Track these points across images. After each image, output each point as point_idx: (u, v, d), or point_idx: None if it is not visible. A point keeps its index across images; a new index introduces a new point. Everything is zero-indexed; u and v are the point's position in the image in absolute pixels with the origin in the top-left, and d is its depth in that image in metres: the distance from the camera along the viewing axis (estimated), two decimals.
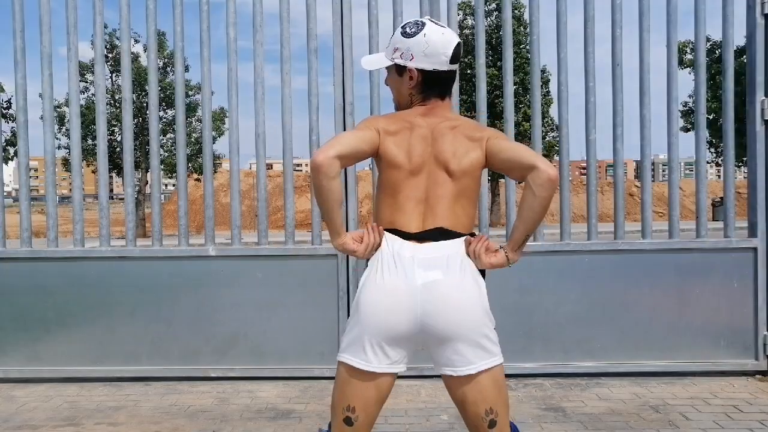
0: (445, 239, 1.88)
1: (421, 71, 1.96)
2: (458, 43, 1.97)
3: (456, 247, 1.88)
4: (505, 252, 1.90)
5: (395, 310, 1.82)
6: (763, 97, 3.99)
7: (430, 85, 1.98)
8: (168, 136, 21.84)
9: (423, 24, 1.95)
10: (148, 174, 21.86)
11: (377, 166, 1.98)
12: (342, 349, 1.91)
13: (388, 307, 1.83)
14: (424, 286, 1.83)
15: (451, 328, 1.82)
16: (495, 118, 17.50)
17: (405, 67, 1.97)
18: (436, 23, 1.97)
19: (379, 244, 1.90)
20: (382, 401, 1.90)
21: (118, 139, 19.35)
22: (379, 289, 1.85)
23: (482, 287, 1.90)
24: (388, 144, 1.91)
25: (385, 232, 1.91)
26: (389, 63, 2.01)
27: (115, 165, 17.67)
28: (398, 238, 1.89)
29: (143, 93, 19.62)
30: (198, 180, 22.59)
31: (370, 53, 4.05)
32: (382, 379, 1.87)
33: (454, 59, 1.96)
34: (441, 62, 1.95)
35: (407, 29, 1.96)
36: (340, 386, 1.91)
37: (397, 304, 1.82)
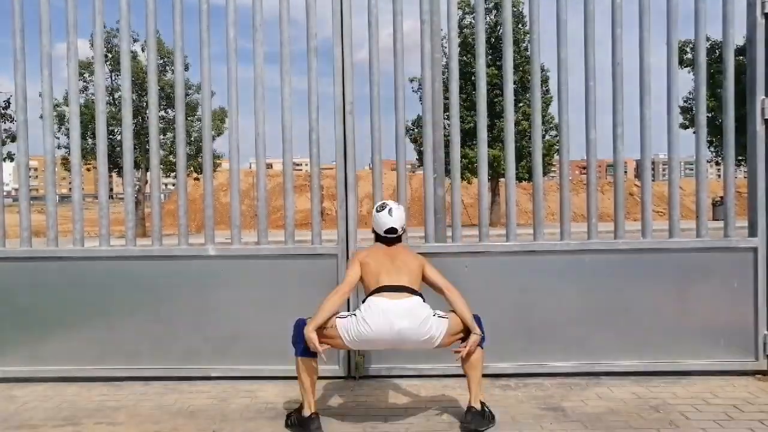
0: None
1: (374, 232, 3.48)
2: (391, 228, 3.39)
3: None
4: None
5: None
6: (764, 97, 3.99)
7: (380, 239, 3.45)
8: (168, 135, 21.79)
9: (383, 206, 3.43)
10: (148, 173, 21.84)
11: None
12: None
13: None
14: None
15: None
16: (494, 117, 17.53)
17: None
18: (395, 207, 3.42)
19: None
20: None
21: (118, 138, 19.31)
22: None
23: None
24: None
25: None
26: None
27: (115, 164, 17.63)
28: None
29: (143, 92, 19.57)
30: (197, 179, 22.56)
31: (369, 53, 4.07)
32: None
33: (389, 231, 3.38)
34: (380, 230, 3.41)
35: (376, 208, 3.48)
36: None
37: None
